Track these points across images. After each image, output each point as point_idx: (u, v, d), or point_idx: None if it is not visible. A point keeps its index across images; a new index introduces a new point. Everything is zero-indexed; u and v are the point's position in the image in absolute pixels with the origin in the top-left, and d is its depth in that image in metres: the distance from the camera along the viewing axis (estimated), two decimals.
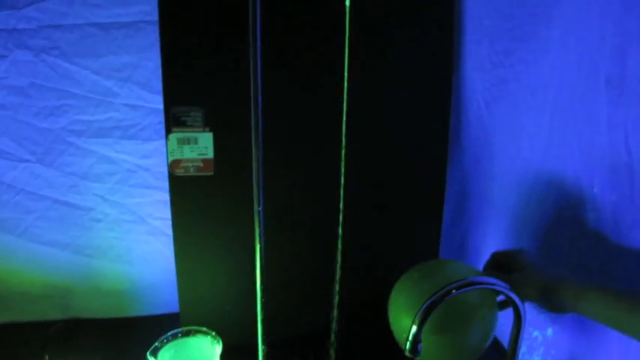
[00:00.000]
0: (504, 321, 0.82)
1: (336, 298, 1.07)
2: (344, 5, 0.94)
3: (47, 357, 1.02)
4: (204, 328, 0.98)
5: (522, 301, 0.75)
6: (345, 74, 0.97)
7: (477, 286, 0.75)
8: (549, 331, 0.93)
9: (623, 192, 0.73)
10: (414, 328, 0.69)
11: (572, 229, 0.85)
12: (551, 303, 0.72)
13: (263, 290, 0.85)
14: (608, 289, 0.67)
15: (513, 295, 0.74)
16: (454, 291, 0.70)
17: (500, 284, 0.73)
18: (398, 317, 0.84)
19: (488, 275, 0.79)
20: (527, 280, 0.74)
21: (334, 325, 1.08)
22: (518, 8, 0.94)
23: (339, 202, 1.05)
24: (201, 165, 1.00)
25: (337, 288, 1.07)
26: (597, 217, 0.79)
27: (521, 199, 1.01)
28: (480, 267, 0.86)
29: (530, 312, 0.77)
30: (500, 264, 0.82)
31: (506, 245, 1.06)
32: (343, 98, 0.99)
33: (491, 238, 1.13)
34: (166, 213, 1.04)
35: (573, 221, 0.84)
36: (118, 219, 1.09)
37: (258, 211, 0.78)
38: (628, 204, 0.72)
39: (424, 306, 0.69)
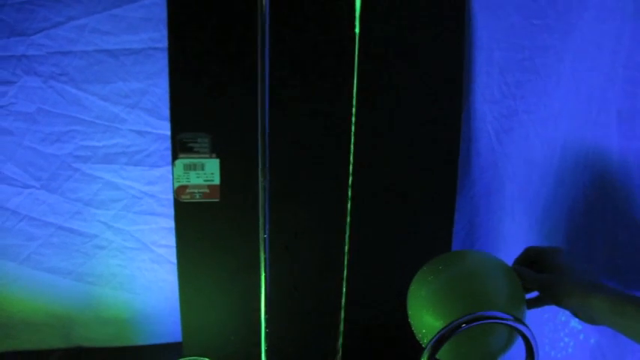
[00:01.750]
0: (515, 356, 0.80)
1: (341, 327, 1.05)
2: (353, 34, 0.95)
3: None
4: (206, 359, 0.96)
5: (549, 304, 0.71)
6: (354, 103, 0.97)
7: (487, 321, 0.73)
8: None
9: (636, 227, 0.71)
10: None
11: (584, 263, 0.83)
12: (583, 312, 0.67)
13: (267, 320, 0.84)
14: None
15: (527, 333, 0.72)
16: (464, 325, 0.68)
17: (510, 319, 0.71)
18: (417, 311, 0.78)
19: (517, 270, 0.74)
20: (558, 284, 0.69)
21: (339, 355, 1.05)
22: (528, 40, 0.94)
23: (346, 230, 1.04)
24: (208, 191, 0.99)
25: (342, 316, 1.05)
26: (610, 253, 0.77)
27: (532, 231, 0.99)
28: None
29: (542, 348, 0.75)
30: (532, 261, 0.76)
31: None
32: (351, 126, 0.99)
33: None
34: (171, 240, 1.04)
35: (586, 258, 0.82)
36: (122, 246, 1.09)
37: (264, 238, 0.77)
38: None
39: (432, 341, 0.67)
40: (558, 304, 0.69)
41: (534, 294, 0.76)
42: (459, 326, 0.68)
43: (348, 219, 1.02)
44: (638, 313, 0.60)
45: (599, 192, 0.79)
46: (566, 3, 0.87)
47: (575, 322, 0.88)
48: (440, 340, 0.67)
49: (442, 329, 0.68)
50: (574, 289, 0.67)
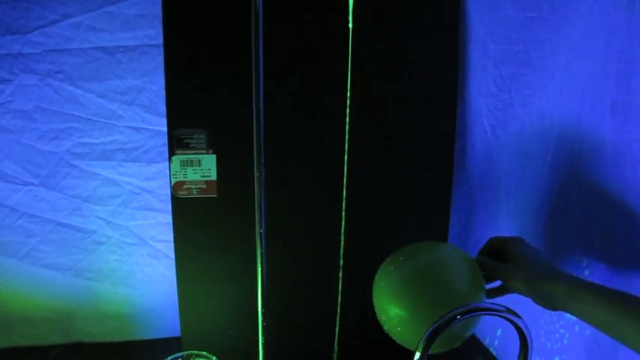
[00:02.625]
0: (511, 347, 0.81)
1: (338, 321, 1.05)
2: (347, 27, 0.95)
3: None
4: (204, 352, 0.97)
5: (511, 292, 0.73)
6: (348, 97, 0.97)
7: (482, 313, 0.73)
8: None
9: (630, 218, 0.72)
10: (418, 355, 0.67)
11: (578, 257, 0.83)
12: (542, 299, 0.69)
13: (264, 314, 0.84)
14: (603, 290, 0.64)
15: (521, 324, 0.72)
16: (458, 317, 0.69)
17: (502, 310, 0.71)
18: (380, 303, 0.81)
19: (479, 260, 0.77)
20: (517, 272, 0.71)
21: (336, 351, 1.06)
22: (523, 33, 0.94)
23: (342, 224, 1.05)
24: (205, 187, 1.00)
25: (339, 310, 1.06)
26: (606, 244, 0.78)
27: (527, 224, 1.00)
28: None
29: (537, 340, 0.76)
30: (495, 251, 0.79)
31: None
32: (346, 121, 0.99)
33: None
34: (169, 235, 1.04)
35: (580, 250, 0.83)
36: (121, 242, 1.09)
37: (260, 233, 0.78)
38: (637, 229, 0.71)
39: (427, 333, 0.68)
40: (519, 292, 0.72)
41: (497, 283, 0.77)
42: (454, 317, 0.69)
43: (344, 213, 1.03)
44: (594, 299, 0.62)
45: (593, 184, 0.80)
46: None
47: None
48: (435, 331, 0.68)
49: (436, 321, 0.68)
50: (533, 277, 0.69)
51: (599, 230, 0.79)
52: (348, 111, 0.99)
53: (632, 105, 0.70)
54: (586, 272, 0.84)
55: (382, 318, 0.79)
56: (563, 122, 0.87)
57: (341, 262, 1.04)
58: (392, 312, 0.76)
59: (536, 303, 0.71)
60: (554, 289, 0.67)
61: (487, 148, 1.10)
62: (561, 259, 0.88)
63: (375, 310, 0.81)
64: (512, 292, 0.73)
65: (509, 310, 0.72)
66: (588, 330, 0.82)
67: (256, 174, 0.74)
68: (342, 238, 1.03)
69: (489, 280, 0.78)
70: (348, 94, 0.96)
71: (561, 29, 0.85)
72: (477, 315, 0.73)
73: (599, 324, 0.63)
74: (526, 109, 0.98)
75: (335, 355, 1.06)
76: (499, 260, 0.77)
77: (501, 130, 1.05)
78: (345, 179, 1.01)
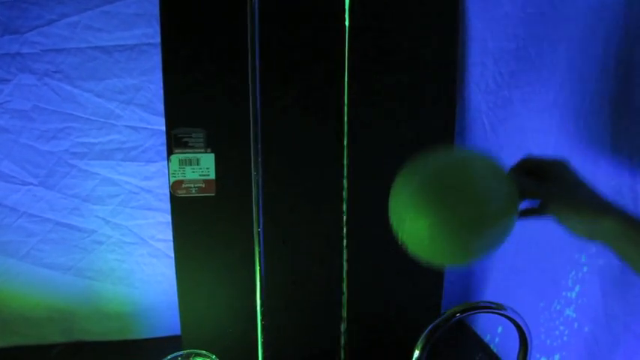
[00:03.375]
0: (512, 344, 0.81)
1: (343, 319, 1.06)
2: (344, 26, 0.95)
3: None
4: (204, 351, 0.97)
5: (549, 214, 0.63)
6: (345, 97, 0.97)
7: (483, 311, 0.73)
8: (557, 357, 0.91)
9: None
10: (417, 353, 0.68)
11: (577, 256, 0.83)
12: (588, 231, 0.60)
13: (263, 313, 0.85)
14: None
15: (521, 321, 0.72)
16: (458, 314, 0.69)
17: (502, 308, 0.71)
18: (394, 204, 0.68)
19: (514, 177, 0.64)
20: (565, 197, 0.61)
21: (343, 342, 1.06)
22: (522, 29, 0.94)
23: (342, 224, 1.05)
24: (203, 186, 1.00)
25: (341, 309, 1.06)
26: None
27: (529, 222, 1.00)
28: None
29: (537, 337, 0.76)
30: (528, 172, 0.66)
31: (511, 264, 1.05)
32: (344, 120, 0.99)
33: (497, 256, 1.11)
34: (168, 235, 1.04)
35: (577, 242, 0.83)
36: (120, 241, 1.09)
37: (258, 232, 0.78)
38: None
39: (426, 332, 0.68)
40: (561, 218, 0.62)
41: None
42: (454, 315, 0.69)
43: (345, 211, 1.03)
44: None
45: (593, 181, 0.79)
46: None
47: (570, 311, 0.89)
48: (433, 330, 0.68)
49: (435, 320, 0.69)
50: (583, 206, 0.60)
51: None
52: (346, 109, 0.98)
53: (631, 101, 0.70)
54: (585, 269, 0.84)
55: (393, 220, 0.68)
56: (563, 118, 0.87)
57: (343, 262, 1.04)
58: (401, 213, 0.65)
59: (574, 230, 0.62)
60: (607, 223, 0.57)
61: (487, 145, 1.10)
62: (560, 258, 0.89)
63: (392, 219, 0.68)
64: (551, 214, 0.63)
65: (509, 308, 0.72)
66: (587, 327, 0.82)
67: (253, 173, 0.74)
68: (344, 238, 1.03)
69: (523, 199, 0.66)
70: (346, 92, 0.96)
71: (560, 24, 0.85)
72: (478, 313, 0.73)
73: None
74: (526, 106, 0.98)
75: (338, 354, 1.06)
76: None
77: (500, 126, 1.05)
78: (344, 178, 1.01)
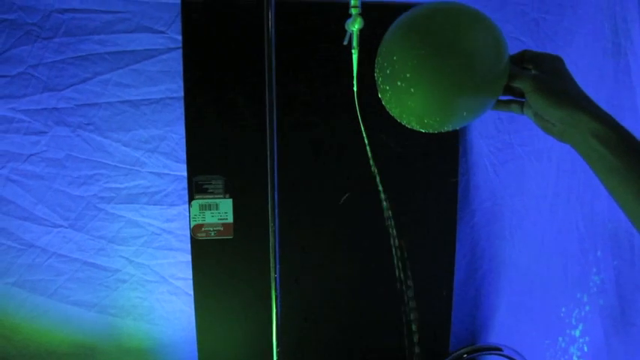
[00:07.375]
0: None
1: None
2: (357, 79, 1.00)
3: None
4: None
5: (530, 103, 0.60)
6: (367, 145, 1.00)
7: (487, 353, 0.76)
8: None
9: (624, 256, 0.75)
10: None
11: (580, 295, 0.86)
12: (562, 123, 0.58)
13: (279, 353, 0.88)
14: (636, 148, 0.54)
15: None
16: (465, 356, 0.72)
17: (507, 348, 0.74)
18: (385, 42, 0.66)
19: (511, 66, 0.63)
20: (550, 85, 0.59)
21: None
22: None
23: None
24: (222, 229, 1.05)
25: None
26: (602, 279, 0.81)
27: (532, 258, 1.03)
28: None
29: None
30: (526, 63, 0.65)
31: (517, 301, 1.07)
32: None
33: (504, 294, 1.14)
34: (188, 273, 1.09)
35: (579, 282, 0.86)
36: (142, 279, 1.13)
37: (274, 278, 0.82)
38: (628, 268, 0.74)
39: None
40: (539, 107, 0.60)
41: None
42: (460, 357, 0.72)
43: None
44: (619, 144, 0.54)
45: (592, 217, 0.83)
46: (553, 32, 0.91)
47: (574, 349, 0.90)
48: None
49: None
50: (565, 95, 0.58)
51: (597, 266, 0.82)
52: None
53: None
54: (587, 308, 0.86)
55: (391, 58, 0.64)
56: (561, 161, 0.91)
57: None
58: (406, 50, 0.62)
59: (545, 129, 0.61)
60: (584, 117, 0.56)
61: (489, 185, 1.14)
62: (565, 289, 0.91)
63: (380, 60, 0.66)
64: (531, 102, 0.60)
65: (512, 350, 0.74)
66: None
67: (270, 224, 0.79)
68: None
69: (508, 91, 0.65)
70: (366, 141, 0.97)
71: None
72: (482, 354, 0.76)
73: (606, 179, 0.57)
74: (525, 149, 1.02)
75: None
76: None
77: (502, 168, 1.09)
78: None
